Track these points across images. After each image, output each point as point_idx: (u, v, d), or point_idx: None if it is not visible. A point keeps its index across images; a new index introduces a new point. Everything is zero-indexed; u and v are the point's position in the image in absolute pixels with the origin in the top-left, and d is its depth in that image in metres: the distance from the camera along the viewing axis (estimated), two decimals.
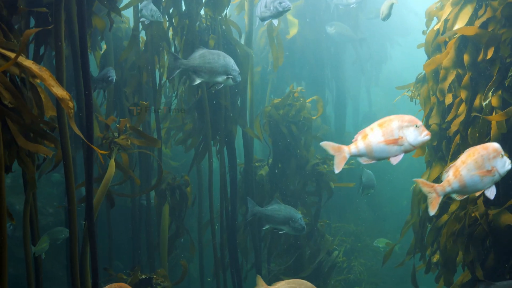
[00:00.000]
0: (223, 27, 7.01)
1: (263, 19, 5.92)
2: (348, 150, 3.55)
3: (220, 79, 5.51)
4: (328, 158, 8.09)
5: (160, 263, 7.02)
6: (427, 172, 6.12)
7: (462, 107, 5.29)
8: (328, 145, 3.58)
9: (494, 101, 4.90)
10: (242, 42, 7.35)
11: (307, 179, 7.99)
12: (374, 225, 11.85)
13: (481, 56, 5.06)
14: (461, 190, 3.63)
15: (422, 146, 5.90)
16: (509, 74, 4.81)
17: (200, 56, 5.48)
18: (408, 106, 6.36)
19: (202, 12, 7.02)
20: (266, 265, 7.96)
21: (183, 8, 6.80)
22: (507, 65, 4.90)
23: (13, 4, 4.07)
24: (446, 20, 5.47)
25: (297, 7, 10.71)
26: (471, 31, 5.04)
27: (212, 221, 7.16)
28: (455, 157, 5.19)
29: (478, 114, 5.05)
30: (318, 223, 8.04)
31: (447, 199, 5.69)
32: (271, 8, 5.69)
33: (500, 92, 4.90)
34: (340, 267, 9.55)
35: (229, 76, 5.49)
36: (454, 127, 5.31)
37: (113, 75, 6.32)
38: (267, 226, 6.71)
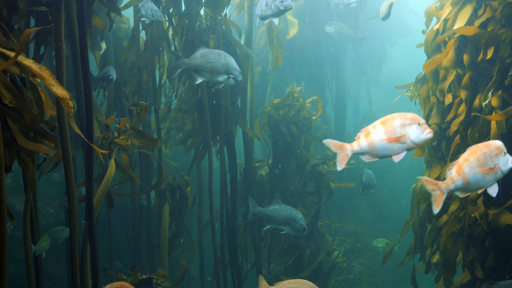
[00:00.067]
0: (223, 27, 7.02)
1: (263, 18, 5.87)
2: (351, 148, 3.56)
3: (221, 78, 5.51)
4: (328, 158, 8.09)
5: (160, 263, 7.02)
6: (427, 172, 6.12)
7: (462, 107, 5.29)
8: (331, 143, 3.60)
9: (494, 101, 4.90)
10: (242, 42, 7.35)
11: (307, 179, 7.99)
12: (374, 225, 11.85)
13: (480, 56, 5.06)
14: (464, 187, 3.64)
15: (422, 146, 5.90)
16: (509, 74, 4.80)
17: (202, 55, 5.49)
18: (408, 106, 6.36)
19: (202, 12, 7.02)
20: (266, 265, 7.97)
21: (183, 8, 6.80)
22: (507, 65, 4.90)
23: (13, 4, 4.07)
24: (445, 20, 5.47)
25: (297, 7, 10.71)
26: (471, 31, 5.03)
27: (212, 221, 7.16)
28: (454, 157, 5.18)
29: (478, 114, 5.05)
30: (318, 223, 8.04)
31: (446, 199, 5.68)
32: (273, 7, 5.65)
33: (500, 92, 4.90)
34: (340, 267, 9.55)
35: (230, 75, 5.49)
36: (454, 127, 5.31)
37: (113, 74, 6.32)
38: (268, 226, 6.72)
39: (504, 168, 3.58)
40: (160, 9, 6.60)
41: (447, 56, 5.38)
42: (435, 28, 5.67)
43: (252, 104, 7.86)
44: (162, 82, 7.38)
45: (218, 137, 7.33)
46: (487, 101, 4.97)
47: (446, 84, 5.46)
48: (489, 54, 4.92)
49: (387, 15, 6.84)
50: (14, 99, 3.33)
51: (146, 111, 6.19)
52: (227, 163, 7.46)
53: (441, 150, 5.80)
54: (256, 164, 8.14)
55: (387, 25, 12.17)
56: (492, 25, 4.94)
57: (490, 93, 4.96)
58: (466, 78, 5.21)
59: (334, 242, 8.50)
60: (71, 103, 3.17)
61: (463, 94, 5.22)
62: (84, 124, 4.42)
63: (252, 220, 7.37)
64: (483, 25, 5.01)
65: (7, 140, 3.69)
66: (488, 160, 3.56)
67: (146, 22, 6.49)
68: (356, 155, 3.59)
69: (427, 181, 3.70)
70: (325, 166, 7.94)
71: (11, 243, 4.21)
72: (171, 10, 6.78)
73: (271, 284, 4.06)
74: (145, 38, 7.05)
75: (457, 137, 5.35)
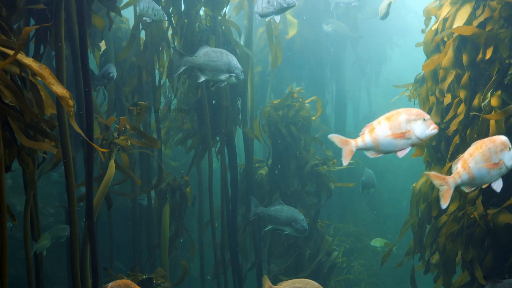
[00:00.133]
0: (223, 27, 7.02)
1: (264, 16, 5.77)
2: (355, 143, 3.58)
3: (223, 77, 5.54)
4: (328, 159, 8.10)
5: (161, 264, 7.02)
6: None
7: (461, 108, 5.28)
8: (336, 138, 3.62)
9: (493, 101, 4.89)
10: (242, 42, 7.36)
11: (307, 180, 8.00)
12: (374, 226, 11.85)
13: (480, 56, 5.05)
14: (470, 182, 3.65)
15: (421, 147, 5.91)
16: (509, 72, 4.80)
17: (205, 54, 5.52)
18: (407, 106, 6.35)
19: (201, 12, 7.03)
20: (266, 265, 7.97)
21: (182, 7, 6.80)
22: (506, 65, 4.90)
23: (12, 4, 4.08)
24: (444, 20, 5.45)
25: (297, 7, 10.69)
26: (469, 30, 5.02)
27: (212, 221, 7.17)
28: (454, 157, 5.19)
29: (477, 113, 5.05)
30: (317, 223, 8.05)
31: None
32: (275, 4, 5.56)
33: (499, 92, 4.90)
34: (340, 268, 9.55)
35: (232, 74, 5.52)
36: (453, 126, 5.31)
37: (114, 71, 6.32)
38: (269, 227, 6.73)
39: (509, 163, 3.58)
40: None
41: (446, 56, 5.38)
42: (434, 28, 5.66)
43: (252, 105, 7.86)
44: (162, 82, 7.39)
45: (218, 137, 7.33)
46: (486, 101, 4.97)
47: (445, 85, 5.46)
48: (488, 54, 4.92)
49: (386, 14, 6.85)
50: (14, 98, 3.34)
51: (146, 111, 6.19)
52: (228, 163, 7.46)
53: (440, 151, 5.80)
54: (256, 165, 8.15)
55: (387, 25, 12.18)
56: (490, 25, 4.93)
57: (489, 93, 4.96)
58: (465, 78, 5.20)
59: (334, 243, 8.51)
60: (71, 102, 3.17)
61: (462, 94, 5.22)
62: (84, 123, 4.43)
63: (253, 220, 7.38)
64: (482, 25, 5.00)
65: (7, 140, 3.69)
66: (493, 155, 3.57)
67: (148, 21, 6.48)
68: (360, 150, 3.60)
69: (435, 176, 3.70)
70: (325, 167, 7.94)
71: (11, 243, 4.21)
72: (170, 10, 6.78)
73: (273, 284, 4.07)
74: (144, 38, 7.06)
75: (457, 137, 5.35)
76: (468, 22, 5.16)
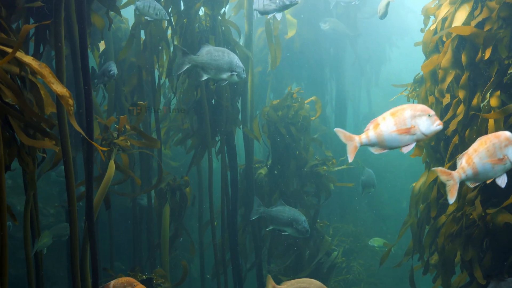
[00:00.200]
0: (222, 27, 7.03)
1: (265, 13, 5.65)
2: (359, 139, 3.57)
3: (225, 75, 5.56)
4: (327, 159, 8.11)
5: (161, 264, 7.03)
6: (425, 173, 6.13)
7: (461, 108, 5.28)
8: (341, 133, 3.62)
9: (493, 102, 4.89)
10: (241, 43, 7.36)
11: (306, 180, 8.00)
12: (374, 226, 11.87)
13: (479, 56, 5.05)
14: (474, 177, 3.64)
15: (420, 147, 5.91)
16: (509, 72, 4.80)
17: (207, 52, 5.55)
18: None
19: (201, 12, 7.03)
20: (266, 265, 7.97)
21: (182, 7, 6.81)
22: (505, 66, 4.90)
23: (12, 3, 4.08)
24: (443, 20, 5.45)
25: (296, 7, 10.71)
26: (467, 30, 5.02)
27: (212, 221, 7.17)
28: (453, 157, 5.19)
29: (477, 113, 5.05)
30: (317, 223, 8.05)
31: (444, 200, 5.70)
32: (277, 1, 5.46)
33: (498, 92, 4.90)
34: (339, 268, 9.56)
35: (234, 72, 5.54)
36: (452, 127, 5.31)
37: (114, 69, 6.31)
38: (271, 227, 6.74)
39: None
40: None
41: (445, 57, 5.37)
42: (432, 28, 5.65)
43: (252, 105, 7.87)
44: (161, 82, 7.39)
45: (217, 137, 7.33)
46: (485, 102, 4.98)
47: (445, 85, 5.45)
48: (487, 54, 4.92)
49: (385, 14, 6.86)
50: (15, 97, 3.34)
51: (146, 111, 6.19)
52: (227, 163, 7.46)
53: (439, 151, 5.80)
54: (256, 165, 8.15)
55: (386, 25, 12.19)
56: (489, 25, 4.92)
57: (488, 94, 4.97)
58: (464, 78, 5.20)
59: (333, 243, 8.51)
60: (70, 101, 3.18)
61: (461, 94, 5.22)
62: (84, 122, 4.43)
63: (253, 220, 7.38)
64: (480, 25, 5.00)
65: (7, 139, 3.70)
66: (497, 150, 3.56)
67: (149, 20, 6.47)
68: (365, 146, 3.60)
69: (441, 172, 3.70)
70: (324, 167, 7.95)
71: (11, 243, 4.22)
72: (170, 9, 6.78)
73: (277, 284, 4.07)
74: (144, 37, 7.06)
75: (456, 137, 5.34)
76: (467, 22, 5.15)
